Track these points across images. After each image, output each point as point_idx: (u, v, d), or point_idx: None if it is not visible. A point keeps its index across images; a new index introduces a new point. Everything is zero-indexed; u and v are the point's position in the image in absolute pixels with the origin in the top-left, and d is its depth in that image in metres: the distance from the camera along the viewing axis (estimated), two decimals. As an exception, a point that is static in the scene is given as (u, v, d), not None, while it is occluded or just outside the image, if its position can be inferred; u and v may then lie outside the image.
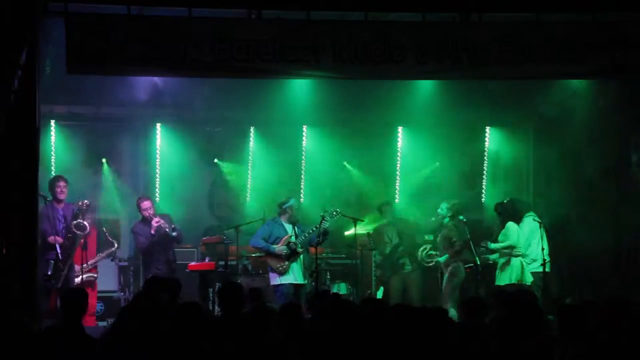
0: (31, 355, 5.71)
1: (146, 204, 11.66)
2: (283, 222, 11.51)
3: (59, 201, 11.11)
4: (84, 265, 11.13)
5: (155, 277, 8.82)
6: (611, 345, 5.59)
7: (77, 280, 11.17)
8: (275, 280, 11.29)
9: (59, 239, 10.81)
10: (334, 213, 11.49)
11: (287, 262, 11.22)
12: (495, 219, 12.09)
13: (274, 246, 11.31)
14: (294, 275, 11.24)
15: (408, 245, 12.11)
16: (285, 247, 11.27)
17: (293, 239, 11.30)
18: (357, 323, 5.95)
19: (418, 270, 12.17)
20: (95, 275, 11.76)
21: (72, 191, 11.56)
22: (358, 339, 5.73)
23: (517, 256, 11.34)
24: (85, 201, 11.16)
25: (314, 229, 11.28)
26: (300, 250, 11.27)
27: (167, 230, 11.46)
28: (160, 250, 11.53)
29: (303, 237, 11.29)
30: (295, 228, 11.36)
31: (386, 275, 12.19)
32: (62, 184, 11.17)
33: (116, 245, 11.95)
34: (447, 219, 11.78)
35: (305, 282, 11.44)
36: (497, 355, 5.47)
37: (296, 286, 11.22)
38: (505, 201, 11.92)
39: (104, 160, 12.99)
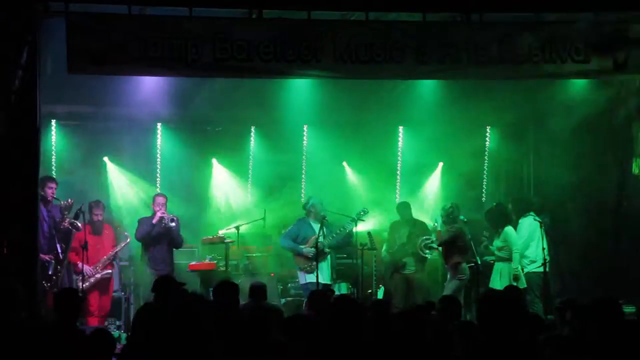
0: (29, 355, 5.74)
1: (159, 199, 11.80)
2: (311, 222, 11.62)
3: (46, 202, 11.05)
4: (102, 261, 11.37)
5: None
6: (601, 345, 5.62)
7: (92, 279, 11.39)
8: (303, 278, 11.52)
9: (43, 256, 10.70)
10: (362, 213, 11.59)
11: (313, 262, 11.30)
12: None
13: (302, 247, 11.48)
14: (322, 275, 11.29)
15: (413, 247, 12.04)
16: (312, 248, 11.34)
17: (321, 239, 11.35)
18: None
19: (422, 272, 12.13)
20: (111, 271, 11.78)
21: (72, 191, 11.59)
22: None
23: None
24: (70, 200, 11.17)
25: (339, 230, 11.39)
26: (327, 250, 11.38)
27: (166, 222, 11.48)
28: (159, 245, 11.56)
29: (331, 238, 11.39)
30: (324, 228, 11.42)
31: (386, 274, 12.17)
32: (54, 185, 11.14)
33: (129, 239, 11.96)
34: (449, 222, 11.71)
35: (332, 282, 11.49)
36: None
37: (323, 285, 11.17)
38: (493, 206, 11.84)
39: (105, 158, 13.03)
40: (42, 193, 10.84)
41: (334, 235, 11.44)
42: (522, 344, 5.48)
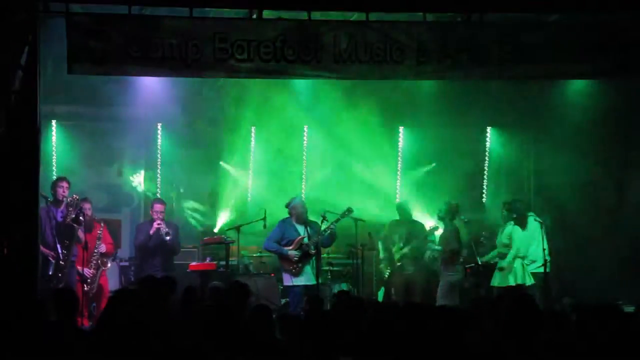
0: (28, 355, 5.75)
1: (157, 206, 11.83)
2: (294, 223, 11.46)
3: (59, 202, 11.11)
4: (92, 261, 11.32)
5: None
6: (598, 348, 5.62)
7: (94, 285, 11.41)
8: (289, 281, 11.30)
9: (49, 252, 10.74)
10: (346, 212, 11.47)
11: (299, 265, 11.20)
12: (497, 218, 12.07)
13: (286, 249, 11.29)
14: (307, 277, 11.18)
15: (414, 249, 12.01)
16: (297, 250, 11.22)
17: (306, 240, 11.24)
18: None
19: (421, 272, 12.11)
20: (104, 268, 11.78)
21: (72, 191, 11.58)
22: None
23: (517, 258, 11.33)
24: (75, 195, 11.15)
25: (324, 231, 11.20)
26: (312, 252, 11.17)
27: (162, 234, 11.54)
28: (157, 254, 11.62)
29: (315, 239, 11.20)
30: (308, 229, 11.25)
31: (384, 274, 12.16)
32: (65, 184, 11.19)
33: (103, 225, 11.76)
34: (446, 221, 11.68)
35: (319, 282, 11.32)
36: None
37: (308, 287, 11.11)
38: (516, 199, 11.84)
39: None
40: (53, 192, 11.01)
41: (319, 237, 11.21)
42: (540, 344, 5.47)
